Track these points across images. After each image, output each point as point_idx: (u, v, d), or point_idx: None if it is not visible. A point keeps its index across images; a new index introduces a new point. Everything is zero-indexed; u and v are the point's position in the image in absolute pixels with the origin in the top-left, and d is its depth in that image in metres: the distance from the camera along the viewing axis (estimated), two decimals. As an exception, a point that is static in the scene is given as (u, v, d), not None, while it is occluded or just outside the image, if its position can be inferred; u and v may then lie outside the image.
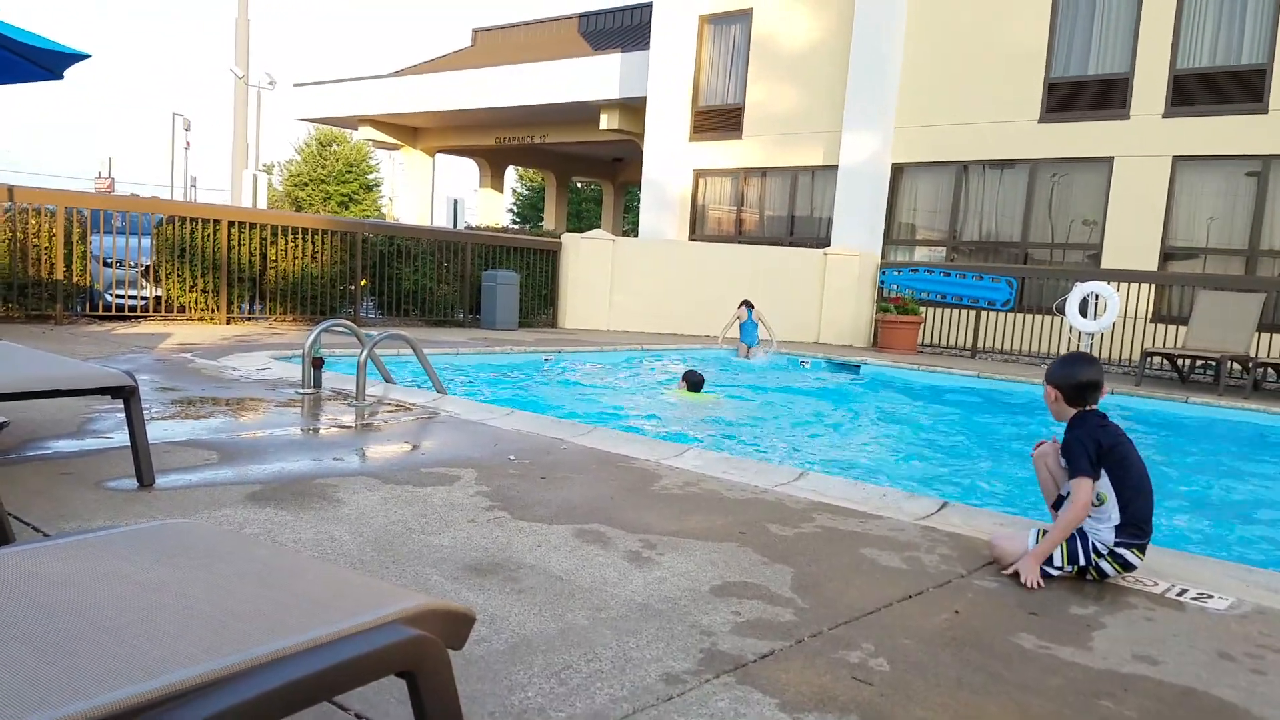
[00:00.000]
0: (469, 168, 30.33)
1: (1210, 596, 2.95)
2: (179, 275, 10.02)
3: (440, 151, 27.77)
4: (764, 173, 16.82)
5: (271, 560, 1.46)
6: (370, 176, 44.77)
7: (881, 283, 13.76)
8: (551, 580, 2.70)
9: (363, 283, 11.64)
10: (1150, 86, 12.49)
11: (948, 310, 13.16)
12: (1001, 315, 12.74)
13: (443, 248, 12.54)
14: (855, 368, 11.11)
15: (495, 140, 25.19)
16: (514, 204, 43.96)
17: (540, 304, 13.55)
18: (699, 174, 17.69)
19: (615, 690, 2.03)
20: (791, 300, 13.59)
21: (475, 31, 27.47)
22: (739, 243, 16.44)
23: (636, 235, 19.27)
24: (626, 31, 22.43)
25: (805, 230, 16.31)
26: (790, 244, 15.98)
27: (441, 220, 27.56)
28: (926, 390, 9.90)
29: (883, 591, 2.81)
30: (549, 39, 24.19)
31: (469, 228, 19.15)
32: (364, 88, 24.90)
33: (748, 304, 11.64)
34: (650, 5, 18.31)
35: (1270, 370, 10.13)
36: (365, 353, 5.67)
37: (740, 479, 4.19)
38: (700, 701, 2.01)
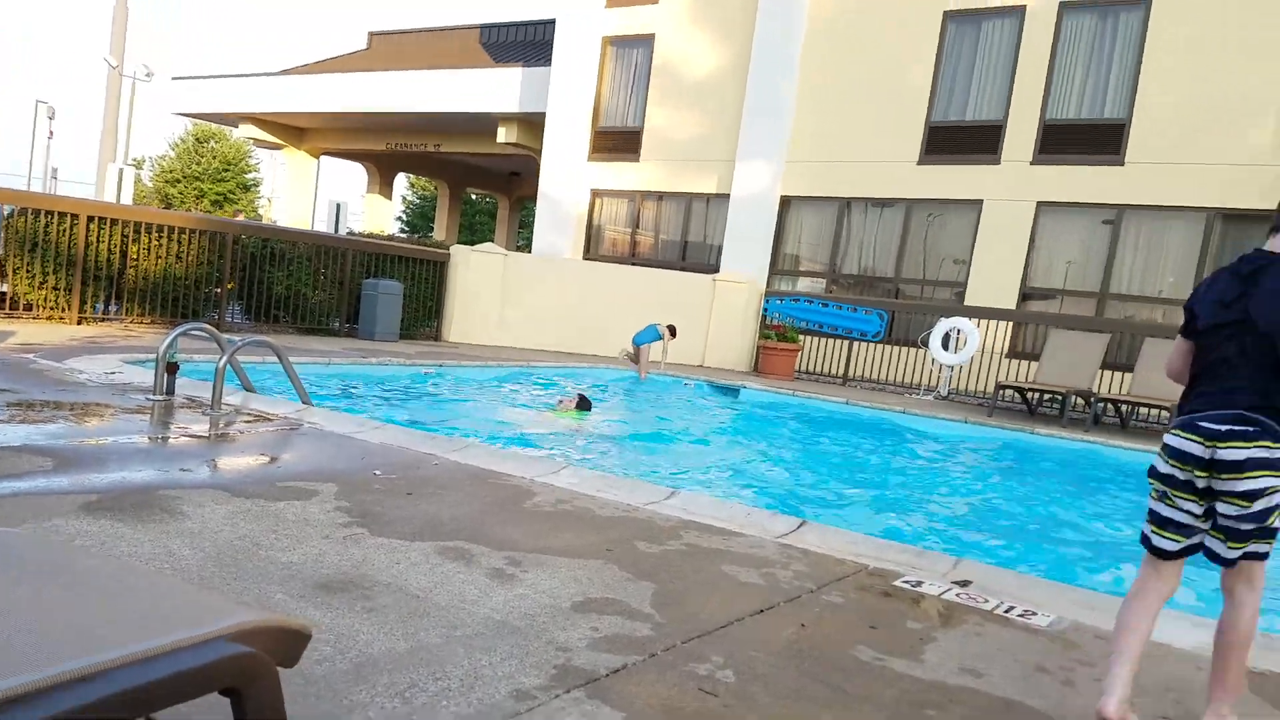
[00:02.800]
0: (356, 172, 29.53)
1: (1035, 613, 3.18)
2: (28, 270, 9.41)
3: (326, 154, 27.03)
4: (660, 197, 17.07)
5: (95, 571, 1.42)
6: (249, 176, 43.13)
7: (765, 310, 14.16)
8: (406, 598, 2.69)
9: (229, 285, 11.19)
10: (1021, 134, 13.32)
11: (824, 339, 13.65)
12: (872, 345, 13.30)
13: (321, 253, 12.20)
14: (735, 391, 11.38)
15: (387, 146, 24.71)
16: (404, 212, 43.12)
17: (424, 316, 13.33)
18: (596, 194, 17.80)
19: (461, 708, 2.04)
20: (681, 324, 13.77)
21: (371, 35, 26.93)
22: (633, 264, 16.62)
23: (530, 251, 19.21)
24: (529, 46, 22.42)
25: (697, 256, 16.63)
26: (682, 269, 16.23)
27: (322, 224, 26.78)
28: (800, 415, 10.24)
29: (737, 606, 2.91)
30: (448, 47, 23.92)
31: (351, 233, 18.66)
32: (249, 84, 24.05)
33: (672, 329, 11.90)
34: (554, 21, 18.38)
35: (1109, 405, 10.91)
36: (224, 359, 5.47)
37: (613, 497, 4.25)
38: (548, 717, 2.04)
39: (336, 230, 23.35)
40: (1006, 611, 3.16)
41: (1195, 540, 2.38)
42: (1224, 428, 2.25)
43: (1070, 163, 12.91)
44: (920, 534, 5.25)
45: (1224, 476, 2.24)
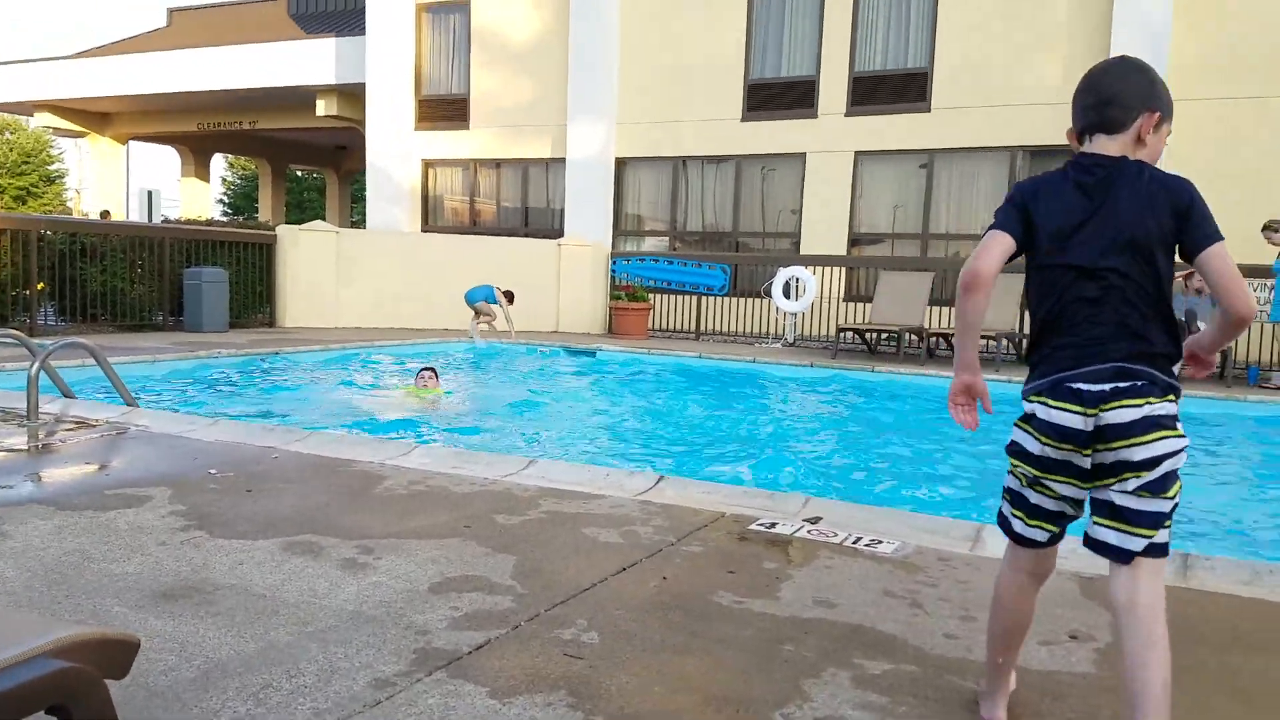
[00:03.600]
0: (170, 156, 27.54)
1: (881, 542, 3.35)
2: None
3: (135, 139, 25.06)
4: (497, 164, 16.76)
5: None
6: (52, 167, 39.38)
7: (613, 272, 14.23)
8: (253, 599, 2.56)
9: (40, 286, 10.25)
10: (833, 88, 13.84)
11: (673, 296, 13.87)
12: (719, 300, 13.62)
13: (136, 244, 11.33)
14: (591, 354, 11.41)
15: (199, 126, 23.12)
16: (225, 195, 40.54)
17: (255, 302, 12.62)
18: (428, 164, 17.30)
19: (319, 703, 1.97)
20: (529, 290, 13.64)
21: (171, 11, 25.03)
22: (475, 234, 16.28)
23: (365, 227, 18.49)
24: (341, 16, 21.38)
25: (540, 221, 16.48)
26: (526, 235, 16.08)
27: (136, 214, 24.86)
28: (655, 372, 10.39)
29: (599, 567, 2.92)
30: (255, 21, 22.49)
31: (168, 221, 17.40)
32: (41, 70, 22.01)
33: (509, 295, 11.95)
34: (364, -11, 17.60)
35: (941, 340, 11.63)
36: (37, 365, 5.02)
37: (469, 473, 4.18)
38: (410, 702, 1.99)
39: (151, 219, 21.72)
40: (855, 543, 3.32)
41: (1070, 521, 1.96)
42: (1106, 386, 1.79)
43: (881, 112, 13.53)
44: (775, 477, 5.44)
45: (1114, 445, 1.78)
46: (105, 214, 21.06)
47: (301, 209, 35.99)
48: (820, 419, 8.06)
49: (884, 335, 11.77)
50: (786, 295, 12.63)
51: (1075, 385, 1.82)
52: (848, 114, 13.73)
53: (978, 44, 12.76)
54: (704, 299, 13.65)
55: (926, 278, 11.57)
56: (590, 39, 15.04)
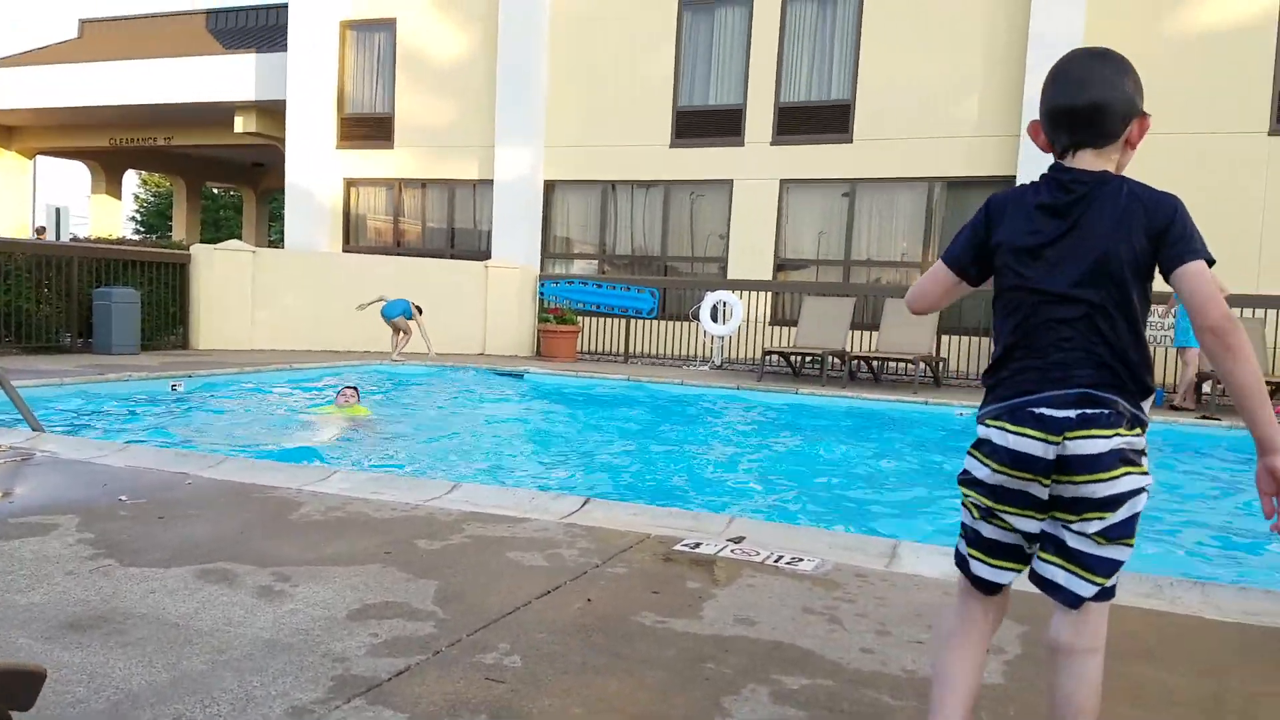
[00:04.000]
0: (80, 172, 26.53)
1: (801, 560, 3.42)
2: None
3: (42, 154, 24.08)
4: (423, 184, 16.61)
5: None
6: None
7: (541, 294, 14.22)
8: (165, 628, 2.48)
9: (-62, 307, 9.78)
10: (760, 117, 14.14)
11: (602, 319, 13.92)
12: (648, 322, 13.73)
13: (42, 263, 10.89)
14: (519, 376, 11.35)
15: (111, 141, 22.35)
16: (137, 212, 39.20)
17: (168, 323, 12.24)
18: (350, 183, 17.04)
19: (232, 734, 1.92)
20: (456, 313, 13.57)
21: (83, 23, 24.17)
22: (399, 254, 16.09)
23: (283, 246, 18.09)
24: (262, 32, 20.97)
25: (466, 242, 16.37)
26: (452, 256, 15.96)
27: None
28: (583, 394, 10.39)
29: (524, 591, 2.91)
30: (172, 35, 21.89)
31: (76, 239, 16.77)
32: (-64, 81, 20.96)
33: (418, 308, 11.85)
34: (286, 6, 17.31)
35: (863, 363, 11.93)
36: (-70, 389, 4.77)
37: (390, 498, 4.12)
38: (327, 729, 1.96)
39: (59, 236, 20.87)
40: (777, 561, 3.38)
41: (1029, 561, 1.77)
42: (1072, 413, 1.64)
43: (806, 142, 13.88)
44: (701, 498, 5.50)
45: (1077, 479, 1.63)
46: (41, 231, 20.22)
47: (217, 227, 35.04)
48: (746, 440, 8.17)
49: (808, 358, 12.01)
50: (714, 319, 12.81)
51: (1037, 410, 1.66)
52: (773, 143, 14.03)
53: (898, 79, 13.21)
54: (633, 322, 13.73)
55: (849, 302, 11.88)
56: (519, 61, 15.08)
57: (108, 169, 25.27)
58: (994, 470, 1.70)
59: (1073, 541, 1.67)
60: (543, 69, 15.13)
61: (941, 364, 11.71)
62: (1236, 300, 9.59)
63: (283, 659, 2.31)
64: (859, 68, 13.49)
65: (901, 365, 11.63)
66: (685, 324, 13.46)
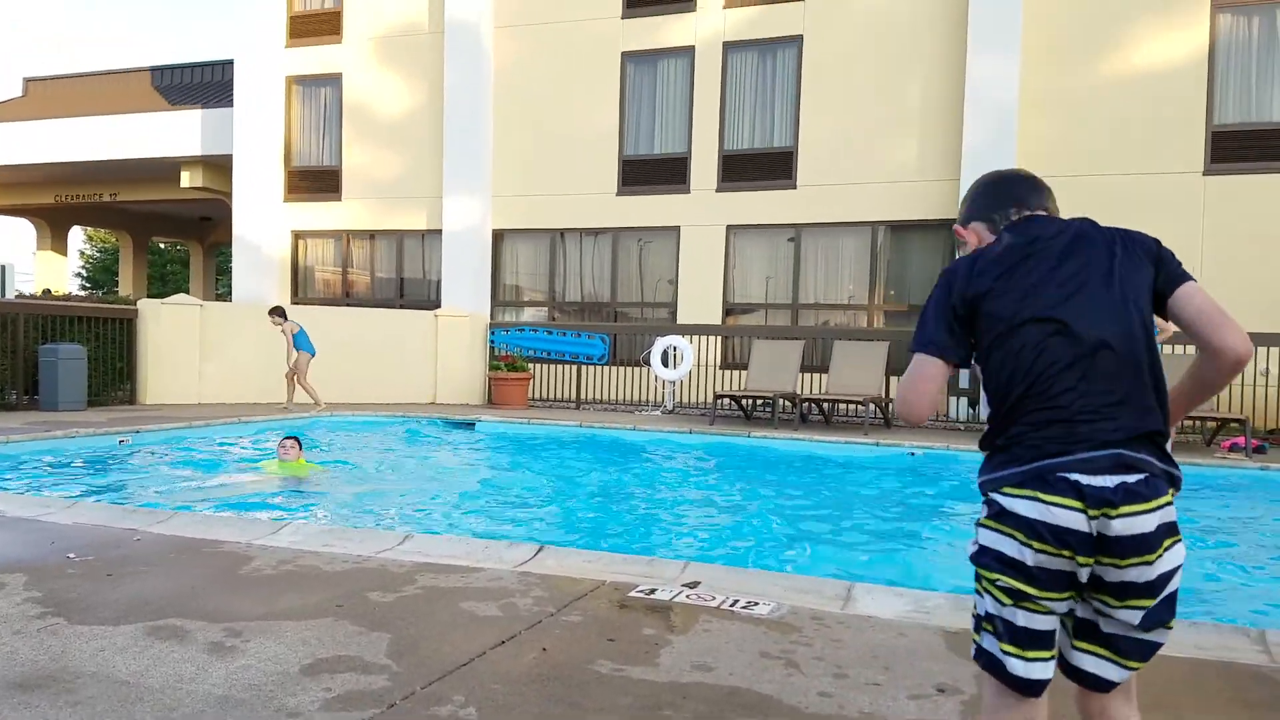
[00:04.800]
0: (24, 229, 26.00)
1: (757, 603, 3.46)
2: None
3: (-16, 211, 23.62)
4: (371, 235, 16.60)
5: None
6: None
7: (492, 342, 14.23)
8: (115, 686, 2.44)
9: None
10: (704, 165, 14.44)
11: (553, 366, 13.94)
12: (599, 369, 13.79)
13: (-14, 320, 10.66)
14: (470, 425, 11.30)
15: (56, 198, 22.06)
16: (83, 268, 38.43)
17: (115, 379, 12.00)
18: (298, 235, 16.97)
19: (184, 795, 1.90)
20: (406, 362, 13.52)
21: (27, 81, 23.89)
22: (348, 305, 15.99)
23: (231, 299, 17.87)
24: (208, 88, 20.91)
25: (415, 292, 16.35)
26: (401, 306, 15.93)
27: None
28: (536, 442, 10.37)
29: (478, 642, 2.92)
30: (117, 92, 21.72)
31: (22, 296, 16.41)
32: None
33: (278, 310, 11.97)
34: (232, 62, 17.34)
35: (813, 405, 12.09)
36: None
37: (342, 550, 4.09)
38: (282, 786, 1.95)
39: (4, 294, 20.40)
40: (732, 606, 3.42)
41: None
42: (1110, 481, 1.46)
43: (750, 189, 14.18)
44: (655, 543, 5.52)
45: (1122, 562, 1.45)
46: (46, 293, 19.80)
47: (164, 282, 34.47)
48: (700, 484, 8.22)
49: (759, 401, 12.15)
50: (665, 364, 12.91)
51: (1070, 476, 1.46)
52: (719, 189, 14.32)
53: (839, 126, 13.60)
54: (584, 368, 13.78)
55: (798, 345, 12.07)
56: (465, 114, 15.24)
57: (53, 225, 24.83)
58: (1034, 550, 1.48)
59: (1108, 627, 1.51)
60: (488, 120, 15.31)
61: (890, 405, 11.93)
62: (1180, 338, 9.93)
63: (235, 715, 2.29)
64: (800, 115, 13.88)
65: (852, 407, 11.81)
66: (637, 369, 13.54)
